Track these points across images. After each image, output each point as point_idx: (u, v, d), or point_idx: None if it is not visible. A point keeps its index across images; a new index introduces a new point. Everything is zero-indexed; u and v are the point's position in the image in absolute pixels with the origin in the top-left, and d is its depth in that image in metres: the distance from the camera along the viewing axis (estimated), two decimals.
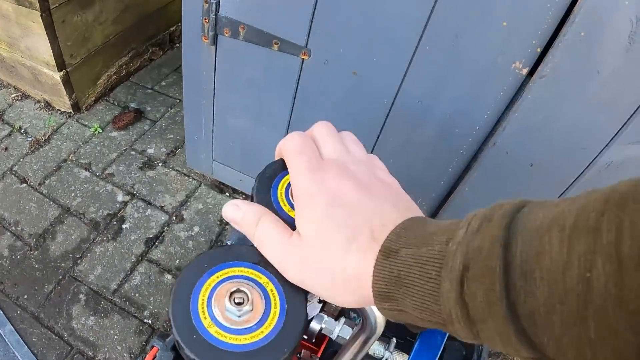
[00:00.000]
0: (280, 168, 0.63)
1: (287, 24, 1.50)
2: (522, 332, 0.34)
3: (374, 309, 0.64)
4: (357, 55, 1.48)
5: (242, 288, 0.50)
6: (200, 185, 2.24)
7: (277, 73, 1.64)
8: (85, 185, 2.18)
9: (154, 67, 2.81)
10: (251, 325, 0.50)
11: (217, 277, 0.53)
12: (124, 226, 2.05)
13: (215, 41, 1.63)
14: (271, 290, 0.53)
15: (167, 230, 2.07)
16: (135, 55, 2.66)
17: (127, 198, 2.15)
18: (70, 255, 1.95)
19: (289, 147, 0.54)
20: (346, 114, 1.64)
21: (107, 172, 2.25)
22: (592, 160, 1.45)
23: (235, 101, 1.81)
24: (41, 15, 2.02)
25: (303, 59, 1.55)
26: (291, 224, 0.52)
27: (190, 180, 2.25)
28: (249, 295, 0.50)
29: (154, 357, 1.31)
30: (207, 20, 1.56)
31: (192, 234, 2.06)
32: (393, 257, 0.43)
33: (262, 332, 0.49)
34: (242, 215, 0.54)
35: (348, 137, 0.57)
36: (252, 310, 0.49)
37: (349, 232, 0.46)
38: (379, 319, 0.65)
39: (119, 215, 2.09)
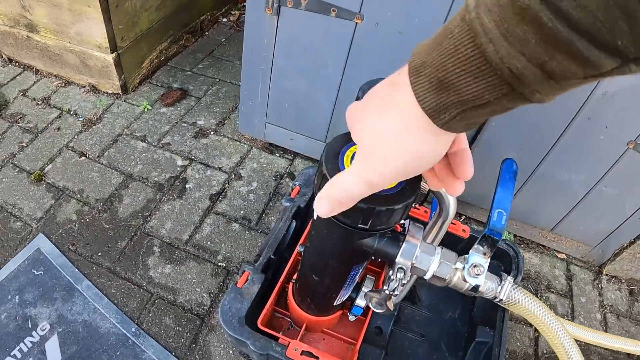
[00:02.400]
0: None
1: None
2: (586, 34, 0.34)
3: (449, 196, 0.89)
4: (402, 17, 1.73)
5: None
6: (251, 149, 2.47)
7: (333, 37, 1.87)
8: (144, 154, 2.38)
9: (188, 53, 3.04)
10: None
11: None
12: (187, 186, 2.26)
13: (278, 12, 1.86)
14: None
15: (228, 186, 2.29)
16: (172, 41, 2.89)
17: (186, 162, 2.36)
18: (140, 214, 2.12)
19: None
20: (391, 70, 1.92)
21: (162, 142, 2.45)
22: (592, 91, 1.74)
23: (292, 65, 2.04)
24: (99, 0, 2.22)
25: (357, 23, 1.80)
26: None
27: (242, 144, 2.49)
28: None
29: (246, 280, 1.58)
30: None
31: (252, 188, 2.29)
32: (422, 70, 0.46)
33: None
34: (329, 202, 0.63)
35: None
36: None
37: (377, 102, 0.53)
38: (452, 202, 0.90)
39: (181, 177, 2.29)
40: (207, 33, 3.22)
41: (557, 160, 2.02)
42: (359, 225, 0.87)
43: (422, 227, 1.04)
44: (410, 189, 0.85)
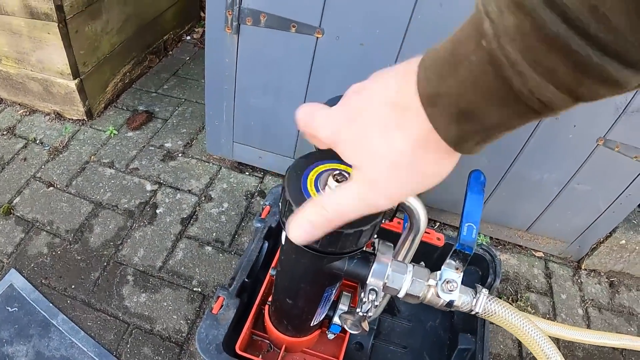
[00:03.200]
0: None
1: (303, 8, 1.74)
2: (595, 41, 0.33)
3: (418, 207, 0.88)
4: (363, 29, 1.73)
5: (343, 173, 0.80)
6: (220, 169, 2.45)
7: (295, 53, 1.87)
8: (113, 181, 2.34)
9: (153, 74, 3.01)
10: None
11: (321, 167, 0.85)
12: (157, 211, 2.23)
13: (238, 30, 1.85)
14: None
15: (198, 209, 2.26)
16: (136, 63, 2.86)
17: (156, 187, 2.34)
18: (111, 243, 2.09)
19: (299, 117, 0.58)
20: (356, 81, 1.92)
21: (130, 167, 2.42)
22: None
23: (255, 82, 2.03)
24: (58, 25, 2.20)
25: (317, 37, 1.80)
26: None
27: (211, 165, 2.47)
28: (346, 176, 0.79)
29: (222, 305, 1.56)
30: (230, 13, 1.78)
31: (223, 209, 2.27)
32: (439, 101, 0.44)
33: None
34: (312, 220, 0.59)
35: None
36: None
37: (378, 124, 0.49)
38: (422, 215, 0.90)
39: (151, 203, 2.27)
40: (171, 52, 3.20)
41: (528, 161, 2.02)
42: (327, 250, 0.85)
43: (392, 245, 1.03)
44: None
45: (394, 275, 0.98)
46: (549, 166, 2.06)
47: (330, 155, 0.79)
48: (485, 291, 1.08)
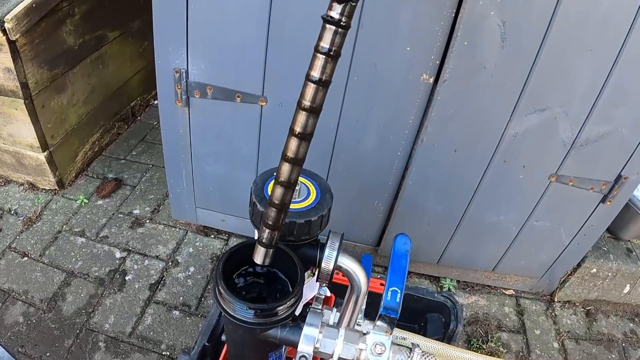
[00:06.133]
0: (268, 175, 1.07)
1: (246, 79, 1.88)
2: None
3: (356, 269, 0.94)
4: None
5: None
6: (187, 233, 2.60)
7: (242, 121, 2.01)
8: (84, 250, 2.48)
9: (122, 140, 3.18)
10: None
11: None
12: (126, 278, 2.36)
13: (187, 103, 1.99)
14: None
15: (166, 274, 2.40)
16: (104, 131, 3.05)
17: (125, 254, 2.47)
18: (83, 311, 2.20)
19: None
20: None
21: (101, 235, 2.56)
22: (501, 135, 1.87)
23: (210, 151, 2.18)
24: (24, 102, 2.35)
25: (262, 105, 1.94)
26: None
27: (177, 230, 2.62)
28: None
29: None
30: (179, 87, 1.93)
31: (189, 273, 2.41)
32: None
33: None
34: None
35: None
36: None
37: None
38: (361, 277, 0.95)
39: (120, 270, 2.40)
40: (139, 117, 3.37)
41: (482, 205, 2.09)
42: (257, 322, 0.94)
43: (321, 311, 1.08)
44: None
45: (324, 341, 1.04)
46: (503, 208, 2.13)
47: None
48: (418, 350, 1.11)
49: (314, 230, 1.04)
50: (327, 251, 1.01)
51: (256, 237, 0.92)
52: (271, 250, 0.92)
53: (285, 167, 0.83)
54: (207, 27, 1.75)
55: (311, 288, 1.23)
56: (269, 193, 0.95)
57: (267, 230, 0.87)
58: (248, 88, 1.89)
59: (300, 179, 1.08)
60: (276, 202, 0.83)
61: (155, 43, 1.84)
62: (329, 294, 1.38)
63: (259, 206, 1.00)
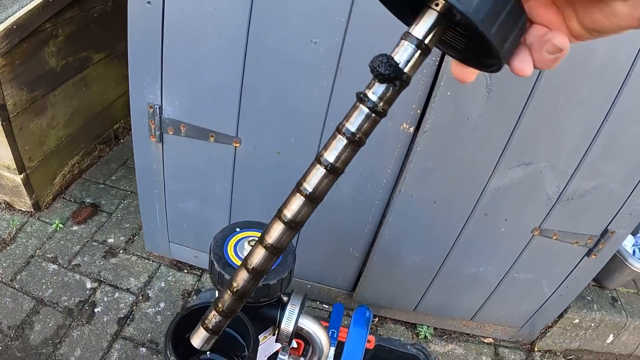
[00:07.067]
0: (229, 232, 1.04)
1: (219, 119, 1.87)
2: None
3: (317, 331, 0.91)
4: (278, 138, 1.86)
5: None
6: (160, 266, 2.58)
7: (216, 161, 2.00)
8: (55, 277, 2.45)
9: (103, 164, 3.16)
10: None
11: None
12: (96, 310, 2.34)
13: (161, 139, 1.98)
14: None
15: (135, 309, 2.37)
16: (85, 154, 3.03)
17: (95, 285, 2.45)
18: (50, 342, 2.17)
19: None
20: (277, 188, 2.03)
21: (73, 263, 2.54)
22: (483, 189, 1.85)
23: (183, 188, 2.17)
24: (2, 123, 2.33)
25: (235, 147, 1.92)
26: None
27: (151, 262, 2.59)
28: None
29: None
30: (153, 122, 1.92)
31: (159, 309, 2.37)
32: None
33: None
34: None
35: None
36: None
37: None
38: (322, 338, 0.93)
39: (90, 301, 2.37)
40: (122, 140, 3.35)
41: (461, 256, 2.07)
42: None
43: None
44: None
45: None
46: (483, 260, 2.10)
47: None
48: None
49: (273, 293, 1.01)
50: (287, 313, 1.01)
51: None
52: (215, 337, 0.87)
53: (259, 254, 0.65)
54: (181, 64, 1.74)
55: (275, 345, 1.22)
56: (229, 252, 0.98)
57: (217, 316, 0.74)
58: (222, 128, 1.88)
59: None
60: (236, 288, 0.63)
61: (130, 76, 1.83)
62: (295, 345, 1.36)
63: (216, 266, 0.99)
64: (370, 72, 0.51)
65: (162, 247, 2.49)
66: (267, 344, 1.22)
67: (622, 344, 2.54)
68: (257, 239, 1.01)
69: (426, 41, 0.47)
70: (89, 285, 2.43)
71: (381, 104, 0.53)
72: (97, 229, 2.72)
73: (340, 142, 0.55)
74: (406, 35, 0.48)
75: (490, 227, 1.97)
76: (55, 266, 2.49)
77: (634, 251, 2.50)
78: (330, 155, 0.55)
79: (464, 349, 2.45)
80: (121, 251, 2.62)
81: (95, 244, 2.64)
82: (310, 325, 1.01)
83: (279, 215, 0.58)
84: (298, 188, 0.57)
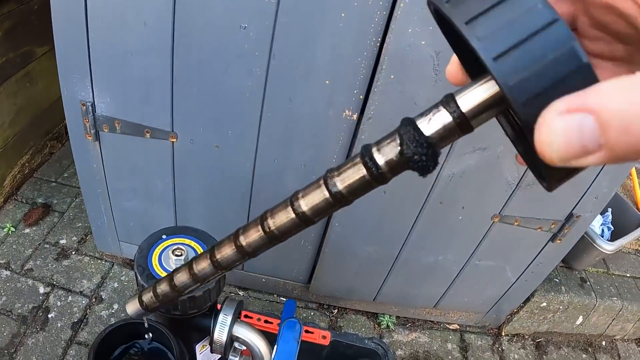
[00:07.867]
0: (154, 240, 1.01)
1: (153, 114, 1.82)
2: None
3: (256, 342, 0.89)
4: (215, 131, 1.81)
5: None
6: (113, 266, 2.54)
7: (154, 157, 1.95)
8: (8, 284, 2.41)
9: (55, 160, 3.10)
10: None
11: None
12: (49, 316, 2.30)
13: (97, 137, 1.93)
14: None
15: (89, 312, 2.34)
16: (35, 152, 2.94)
17: (48, 289, 2.41)
18: (5, 351, 2.14)
19: None
20: (218, 183, 1.97)
21: (25, 268, 2.49)
22: (436, 176, 1.82)
23: (125, 186, 2.12)
24: None
25: (172, 142, 1.88)
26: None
27: (103, 262, 2.55)
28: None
29: None
30: (87, 120, 1.86)
31: (113, 311, 2.35)
32: None
33: None
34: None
35: None
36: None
37: None
38: (262, 348, 0.90)
39: (43, 307, 2.34)
40: None
41: (418, 246, 2.05)
42: None
43: None
44: None
45: None
46: (441, 249, 2.08)
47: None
48: None
49: (200, 305, 0.99)
50: (219, 322, 0.99)
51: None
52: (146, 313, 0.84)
53: (204, 265, 0.59)
54: (109, 58, 1.67)
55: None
56: (153, 263, 0.95)
57: (152, 298, 0.68)
58: (157, 123, 1.83)
59: (190, 242, 1.04)
60: (178, 286, 0.62)
61: (59, 74, 1.76)
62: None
63: (139, 278, 0.95)
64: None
65: (112, 246, 2.45)
66: (207, 352, 1.18)
67: (592, 325, 2.53)
68: (181, 246, 0.97)
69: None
70: (42, 290, 2.39)
71: (388, 172, 0.45)
72: (49, 230, 2.67)
73: (320, 192, 0.47)
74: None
75: (446, 216, 1.94)
76: (8, 272, 2.45)
77: (602, 230, 2.47)
78: (304, 201, 0.48)
79: (429, 336, 2.42)
80: (73, 252, 2.58)
81: (48, 246, 2.59)
82: (247, 334, 0.98)
83: (235, 239, 0.52)
84: (262, 221, 0.50)
